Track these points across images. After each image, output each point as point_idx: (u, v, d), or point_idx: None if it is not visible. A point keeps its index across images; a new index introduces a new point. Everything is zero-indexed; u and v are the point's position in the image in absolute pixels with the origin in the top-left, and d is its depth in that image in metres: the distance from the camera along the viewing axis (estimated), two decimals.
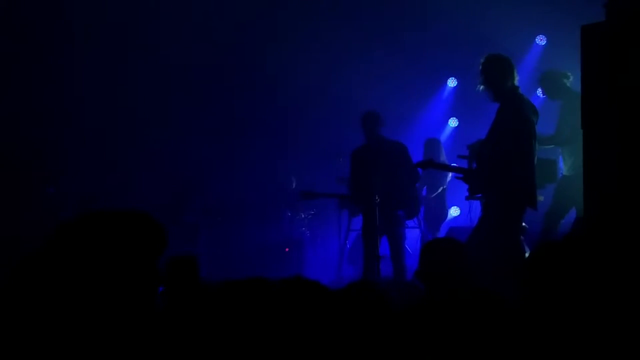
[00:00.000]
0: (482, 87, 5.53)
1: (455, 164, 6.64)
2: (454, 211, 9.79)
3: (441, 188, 9.15)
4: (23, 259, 1.85)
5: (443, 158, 8.72)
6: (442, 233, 8.92)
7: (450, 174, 9.20)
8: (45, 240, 1.82)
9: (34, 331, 1.74)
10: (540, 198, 6.50)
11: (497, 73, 5.44)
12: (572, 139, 6.64)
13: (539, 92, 7.30)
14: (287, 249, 9.10)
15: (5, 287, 1.82)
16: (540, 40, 9.60)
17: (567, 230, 6.76)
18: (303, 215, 9.59)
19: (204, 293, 2.17)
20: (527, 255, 5.58)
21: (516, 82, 5.48)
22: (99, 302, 1.75)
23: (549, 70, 7.23)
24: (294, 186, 9.72)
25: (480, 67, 5.51)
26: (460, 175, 5.83)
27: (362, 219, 6.95)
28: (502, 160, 5.28)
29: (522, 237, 5.51)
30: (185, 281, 3.40)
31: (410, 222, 7.89)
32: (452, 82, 10.52)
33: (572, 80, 6.95)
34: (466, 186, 5.85)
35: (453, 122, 10.51)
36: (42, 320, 1.74)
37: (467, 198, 6.31)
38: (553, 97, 7.09)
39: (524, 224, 5.60)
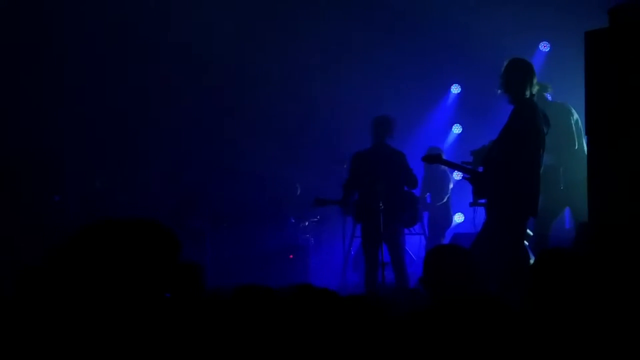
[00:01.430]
0: (500, 90, 5.48)
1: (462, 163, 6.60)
2: (458, 217, 9.79)
3: (446, 197, 9.14)
4: (33, 267, 1.86)
5: (442, 167, 8.68)
6: (446, 239, 8.91)
7: (452, 182, 9.20)
8: (56, 249, 1.82)
9: (42, 336, 1.75)
10: None
11: (518, 78, 5.38)
12: (555, 148, 6.61)
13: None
14: (291, 256, 9.10)
15: (15, 293, 1.83)
16: (544, 46, 9.61)
17: (561, 234, 6.78)
18: (307, 222, 9.59)
19: (206, 300, 2.18)
20: (530, 261, 5.57)
21: (534, 90, 5.44)
22: (111, 309, 1.75)
23: None
24: (298, 193, 9.72)
25: (502, 70, 5.46)
26: (468, 176, 5.83)
27: (362, 225, 6.88)
28: (508, 168, 5.27)
29: (526, 243, 5.51)
30: (189, 289, 3.41)
31: (414, 229, 7.87)
32: (455, 89, 10.53)
33: (552, 91, 6.90)
34: (470, 193, 5.84)
35: (457, 129, 10.52)
36: (50, 327, 1.75)
37: (471, 204, 6.30)
38: None
39: (528, 230, 5.59)
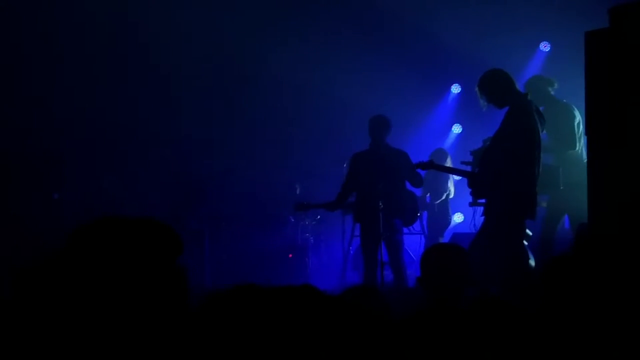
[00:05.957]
0: (485, 105, 5.54)
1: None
2: (457, 217, 9.78)
3: (445, 195, 9.14)
4: (30, 267, 1.84)
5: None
6: (445, 239, 8.92)
7: (452, 180, 9.20)
8: (60, 245, 1.81)
9: (40, 338, 1.74)
10: (543, 204, 6.49)
11: (492, 87, 5.47)
12: (556, 148, 6.60)
13: None
14: (290, 255, 9.10)
15: (12, 294, 1.82)
16: (544, 46, 9.60)
17: (566, 236, 6.77)
18: (307, 221, 9.59)
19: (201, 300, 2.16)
20: (530, 261, 5.57)
21: (517, 87, 5.49)
22: (113, 307, 1.74)
23: (534, 77, 7.14)
24: (297, 192, 9.72)
25: (477, 91, 5.55)
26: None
27: (361, 225, 6.88)
28: (503, 168, 5.27)
29: (526, 243, 5.50)
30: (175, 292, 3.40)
31: (414, 228, 7.87)
32: (455, 89, 10.53)
33: (557, 87, 6.89)
34: (470, 192, 5.84)
35: (457, 129, 10.52)
36: (49, 328, 1.74)
37: (470, 204, 6.31)
38: (537, 104, 7.05)
39: (527, 230, 5.58)
